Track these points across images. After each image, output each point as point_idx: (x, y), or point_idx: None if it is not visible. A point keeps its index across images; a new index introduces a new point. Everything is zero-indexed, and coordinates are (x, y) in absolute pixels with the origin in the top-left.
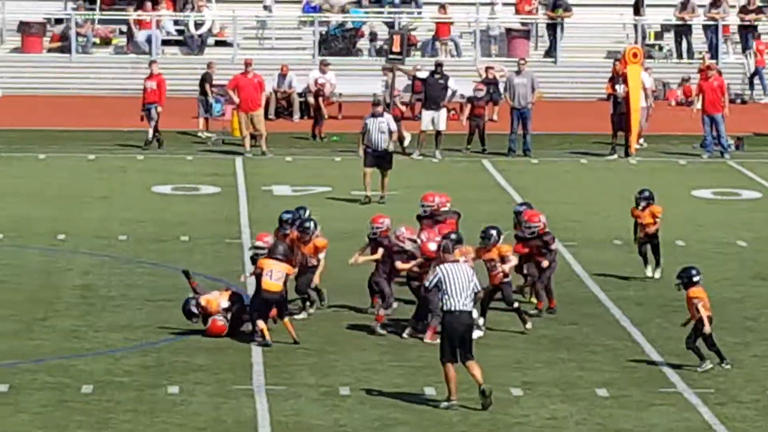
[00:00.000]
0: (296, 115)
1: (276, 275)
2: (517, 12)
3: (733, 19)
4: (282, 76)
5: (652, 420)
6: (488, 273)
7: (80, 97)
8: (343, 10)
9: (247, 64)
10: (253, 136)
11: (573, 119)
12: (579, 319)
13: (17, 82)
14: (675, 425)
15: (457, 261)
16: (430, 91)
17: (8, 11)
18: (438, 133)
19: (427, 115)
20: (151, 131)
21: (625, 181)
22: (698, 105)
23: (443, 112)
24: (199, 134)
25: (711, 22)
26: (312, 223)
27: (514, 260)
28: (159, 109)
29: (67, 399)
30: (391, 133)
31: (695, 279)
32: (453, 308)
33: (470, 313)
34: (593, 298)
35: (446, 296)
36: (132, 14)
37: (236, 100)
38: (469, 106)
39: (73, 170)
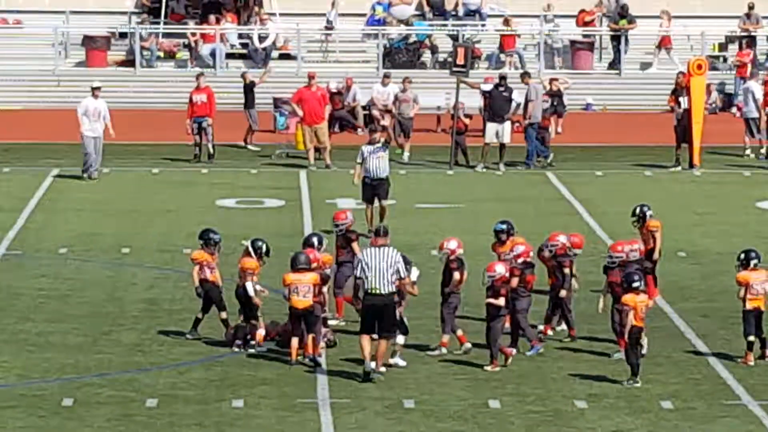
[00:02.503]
0: (360, 128)
1: (302, 290)
2: (577, 24)
3: None
4: (346, 88)
5: None
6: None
7: (144, 110)
8: (407, 23)
9: (311, 77)
10: (317, 149)
11: (637, 131)
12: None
13: (81, 97)
14: None
15: (385, 245)
16: (494, 104)
17: (72, 25)
18: (502, 145)
19: (491, 127)
20: (210, 145)
21: (689, 193)
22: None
23: (507, 124)
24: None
25: None
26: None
27: (513, 282)
28: (210, 121)
29: (132, 413)
30: (386, 158)
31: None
32: (371, 289)
33: (388, 294)
34: (658, 309)
35: (366, 278)
36: (195, 28)
37: (300, 113)
38: None
39: (138, 184)
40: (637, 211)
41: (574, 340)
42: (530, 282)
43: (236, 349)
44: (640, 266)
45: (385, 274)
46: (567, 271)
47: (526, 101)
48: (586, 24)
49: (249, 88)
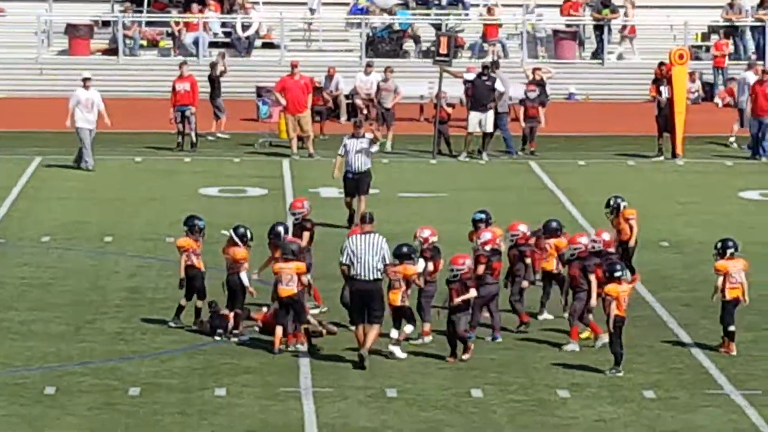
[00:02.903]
0: (343, 117)
1: (285, 278)
2: (562, 14)
3: None
4: (329, 78)
5: (699, 422)
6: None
7: (127, 99)
8: (390, 11)
9: (293, 66)
10: (300, 138)
11: (620, 121)
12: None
13: (64, 85)
14: (722, 427)
15: (371, 232)
16: (477, 93)
17: (55, 13)
18: (485, 134)
19: (474, 116)
20: (193, 134)
21: (671, 183)
22: (747, 107)
23: (490, 113)
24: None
25: (758, 23)
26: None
27: (480, 269)
28: (193, 110)
29: (115, 401)
30: (369, 153)
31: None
32: (357, 276)
33: (375, 281)
34: (640, 299)
35: (353, 265)
36: (178, 17)
37: (283, 102)
38: (522, 108)
39: (121, 172)
40: (611, 202)
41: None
42: (497, 269)
43: (218, 338)
44: (607, 257)
45: (371, 261)
46: (528, 261)
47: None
48: (570, 15)
49: (216, 78)
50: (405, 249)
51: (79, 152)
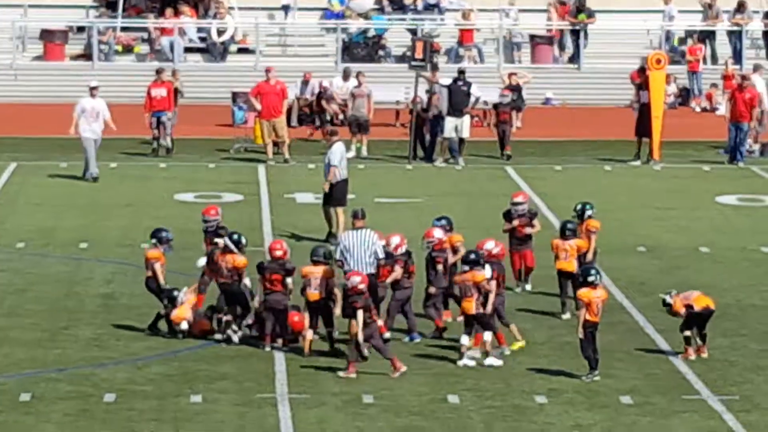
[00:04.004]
0: (318, 122)
1: (314, 283)
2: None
3: (757, 25)
4: (304, 83)
5: (676, 428)
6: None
7: None
8: (366, 16)
9: (268, 71)
10: (275, 144)
11: (597, 125)
12: (603, 327)
13: (39, 91)
14: None
15: (363, 228)
16: (453, 98)
17: (30, 19)
18: (461, 140)
19: (450, 122)
20: (169, 139)
21: (648, 188)
22: (725, 112)
23: (467, 119)
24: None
25: (735, 28)
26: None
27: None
28: (170, 115)
29: (90, 408)
30: (329, 167)
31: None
32: (350, 271)
33: (367, 276)
34: (617, 305)
35: (345, 261)
36: (154, 22)
37: (258, 107)
38: (494, 112)
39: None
40: (578, 207)
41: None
42: (412, 272)
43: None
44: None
45: (363, 257)
46: (440, 268)
47: (431, 94)
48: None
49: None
50: (472, 256)
51: (86, 163)
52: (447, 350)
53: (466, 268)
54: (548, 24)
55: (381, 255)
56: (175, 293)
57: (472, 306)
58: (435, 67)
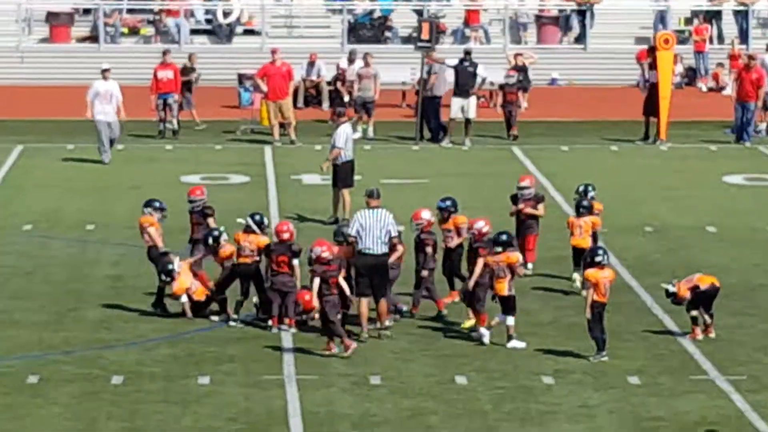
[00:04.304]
0: (325, 104)
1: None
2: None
3: (763, 4)
4: (310, 64)
5: (683, 407)
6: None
7: None
8: None
9: (273, 52)
10: (281, 125)
11: (603, 106)
12: (610, 307)
13: (45, 73)
14: (707, 413)
15: (378, 207)
16: (460, 79)
17: (36, 1)
18: (467, 120)
19: (456, 102)
20: (175, 121)
21: (655, 168)
22: (732, 92)
23: (473, 99)
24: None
25: (741, 8)
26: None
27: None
28: (176, 97)
29: (97, 390)
30: (332, 148)
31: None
32: (365, 249)
33: (382, 255)
34: (624, 285)
35: (360, 239)
36: (159, 3)
37: (264, 89)
38: (501, 93)
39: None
40: (580, 189)
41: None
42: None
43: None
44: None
45: (379, 235)
46: (429, 250)
47: (429, 75)
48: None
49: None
50: (504, 237)
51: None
52: (454, 332)
53: (499, 249)
54: (555, 4)
55: (394, 233)
56: (170, 266)
57: (504, 287)
58: (431, 48)
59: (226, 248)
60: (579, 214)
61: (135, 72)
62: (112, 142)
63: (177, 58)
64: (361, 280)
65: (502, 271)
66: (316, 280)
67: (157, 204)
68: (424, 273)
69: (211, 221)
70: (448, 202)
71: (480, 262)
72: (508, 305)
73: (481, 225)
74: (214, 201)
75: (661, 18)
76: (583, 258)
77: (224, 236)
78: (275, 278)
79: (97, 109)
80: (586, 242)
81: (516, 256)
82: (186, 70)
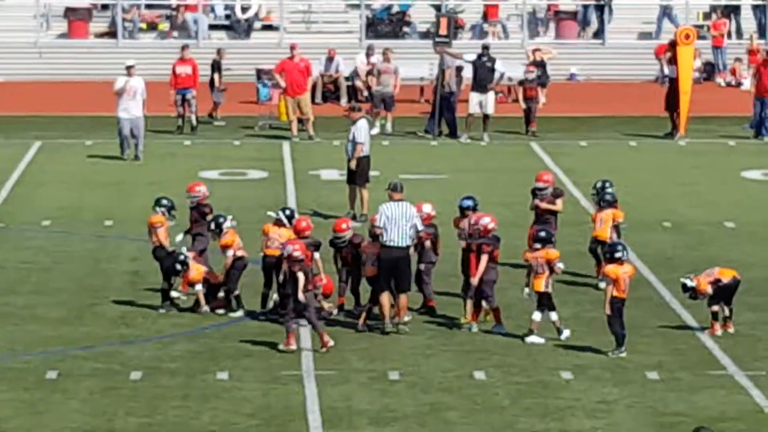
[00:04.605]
0: (343, 99)
1: (371, 260)
2: None
3: None
4: (329, 60)
5: (702, 403)
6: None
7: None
8: None
9: (292, 48)
10: (300, 121)
11: (622, 101)
12: (629, 302)
13: (63, 69)
14: (726, 408)
15: (402, 200)
16: (478, 74)
17: None
18: (485, 116)
19: (474, 97)
20: (193, 117)
21: (674, 163)
22: (750, 87)
23: (491, 94)
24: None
25: (760, 2)
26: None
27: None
28: (194, 93)
29: (116, 385)
30: (356, 144)
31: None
32: (390, 242)
33: (405, 247)
34: (643, 280)
35: (386, 231)
36: None
37: (283, 84)
38: (520, 89)
39: (120, 156)
40: (598, 185)
41: (428, 310)
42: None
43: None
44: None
45: (405, 228)
46: (428, 244)
47: (442, 70)
48: None
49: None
50: (543, 233)
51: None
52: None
53: (538, 245)
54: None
55: (420, 227)
56: (182, 257)
57: (542, 283)
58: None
59: (227, 236)
60: (600, 207)
61: (153, 67)
62: (135, 138)
63: (195, 54)
64: (384, 273)
65: (540, 267)
66: (301, 275)
67: (165, 201)
68: (422, 266)
69: (210, 218)
70: (470, 201)
71: (484, 258)
72: (544, 301)
73: (487, 221)
74: (232, 196)
75: (667, 14)
76: (603, 253)
77: (228, 223)
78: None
79: (120, 106)
80: (605, 234)
81: (555, 252)
82: (218, 64)
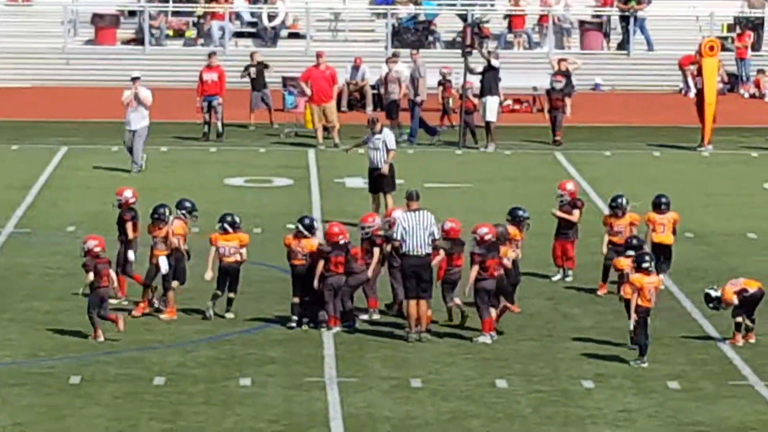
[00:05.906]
0: (369, 107)
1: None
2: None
3: None
4: (355, 68)
5: (723, 413)
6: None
7: (153, 89)
8: (416, 2)
9: (318, 56)
10: (325, 128)
11: (646, 112)
12: (651, 312)
13: (90, 75)
14: (747, 418)
15: (419, 209)
16: (483, 82)
17: (82, 3)
18: (487, 123)
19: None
20: (219, 123)
21: (697, 174)
22: None
23: (493, 101)
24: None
25: None
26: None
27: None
28: (220, 100)
29: (139, 391)
30: (388, 151)
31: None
32: (410, 251)
33: (425, 255)
34: (665, 290)
35: (404, 242)
36: (204, 6)
37: (308, 92)
38: (547, 98)
39: (146, 162)
40: (620, 201)
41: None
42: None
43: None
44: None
45: (423, 236)
46: (388, 248)
47: (415, 79)
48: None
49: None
50: (635, 241)
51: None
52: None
53: (631, 253)
54: (598, 9)
55: (437, 236)
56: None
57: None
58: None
59: (164, 228)
60: (659, 211)
61: (179, 74)
62: (131, 150)
63: (222, 61)
64: (409, 282)
65: (627, 276)
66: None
67: (187, 204)
68: (369, 272)
69: (129, 226)
70: (526, 213)
71: (475, 268)
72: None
73: (484, 231)
74: (258, 204)
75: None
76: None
77: (172, 216)
78: (331, 279)
79: (126, 118)
80: (669, 239)
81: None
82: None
